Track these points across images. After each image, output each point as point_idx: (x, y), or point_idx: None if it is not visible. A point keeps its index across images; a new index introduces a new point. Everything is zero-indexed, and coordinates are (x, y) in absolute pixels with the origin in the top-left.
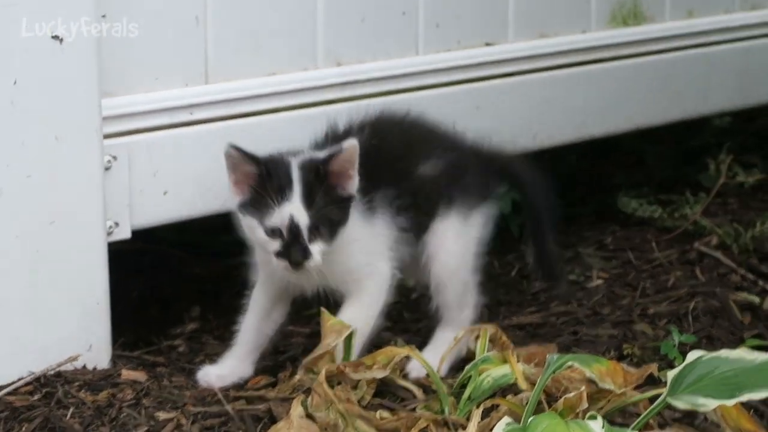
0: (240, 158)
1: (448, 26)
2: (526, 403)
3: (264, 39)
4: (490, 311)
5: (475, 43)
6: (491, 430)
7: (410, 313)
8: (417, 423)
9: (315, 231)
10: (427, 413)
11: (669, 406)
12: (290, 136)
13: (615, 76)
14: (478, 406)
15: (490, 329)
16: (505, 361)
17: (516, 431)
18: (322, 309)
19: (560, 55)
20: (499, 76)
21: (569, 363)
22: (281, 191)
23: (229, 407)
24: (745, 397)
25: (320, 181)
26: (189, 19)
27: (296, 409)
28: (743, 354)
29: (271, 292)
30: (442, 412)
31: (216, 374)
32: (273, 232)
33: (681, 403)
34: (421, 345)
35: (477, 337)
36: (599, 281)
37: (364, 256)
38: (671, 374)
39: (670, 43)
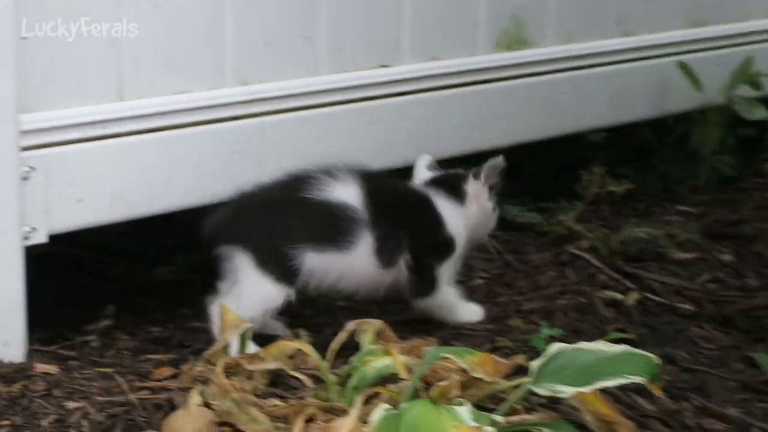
0: None
1: (346, 49)
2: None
3: (175, 60)
4: (381, 309)
5: (371, 65)
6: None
7: (309, 310)
8: (305, 409)
9: None
10: (314, 401)
11: (534, 393)
12: (197, 151)
13: (500, 95)
14: (361, 394)
15: (376, 324)
16: (388, 353)
17: (392, 416)
18: (223, 304)
19: (449, 76)
20: (392, 95)
21: (445, 355)
22: None
23: (132, 396)
24: (600, 385)
25: None
26: (105, 41)
27: (194, 398)
28: (600, 346)
29: None
30: (329, 399)
31: None
32: None
33: (543, 390)
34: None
35: (363, 331)
36: (480, 281)
37: None
38: (535, 364)
39: (550, 65)
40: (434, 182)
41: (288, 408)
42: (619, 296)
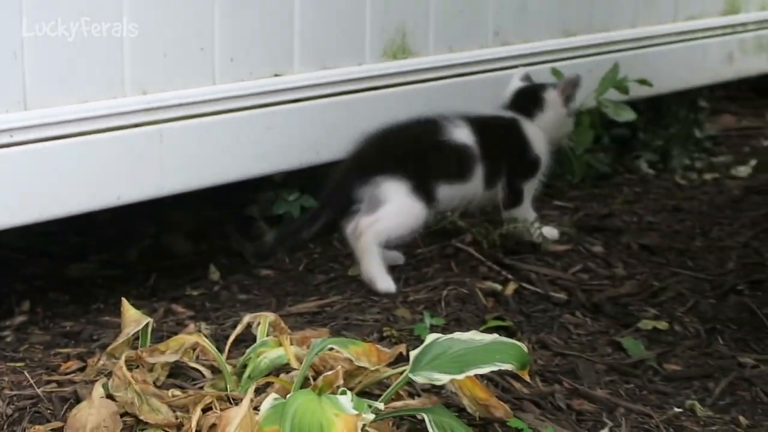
0: None
1: (241, 60)
2: None
3: (77, 71)
4: (278, 301)
5: (265, 73)
6: None
7: (211, 303)
8: (203, 399)
9: None
10: (212, 390)
11: (411, 381)
12: (101, 157)
13: (387, 101)
14: (254, 384)
15: (269, 317)
16: (280, 344)
17: (278, 405)
18: (123, 300)
19: (340, 83)
20: (286, 102)
21: (330, 345)
22: None
23: (39, 390)
24: (472, 372)
25: None
26: (8, 54)
27: (97, 390)
28: (473, 336)
29: None
30: (226, 389)
31: None
32: None
33: (420, 378)
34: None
35: (259, 324)
36: None
37: None
38: (413, 354)
39: (434, 73)
40: (518, 94)
41: (187, 398)
42: (498, 287)
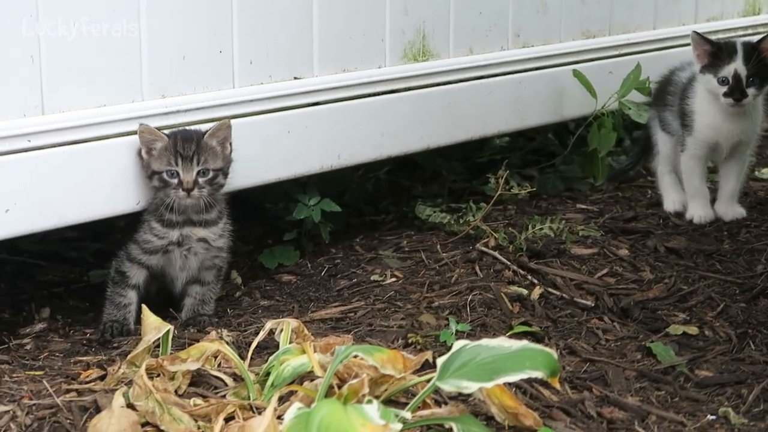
0: (699, 41)
1: (261, 63)
2: None
3: (95, 75)
4: (300, 306)
5: (285, 76)
6: None
7: (233, 309)
8: (225, 408)
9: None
10: (235, 399)
11: (439, 389)
12: (120, 162)
13: (408, 103)
14: (277, 392)
15: (292, 323)
16: (303, 351)
17: (303, 415)
18: (144, 307)
19: (360, 86)
20: (306, 105)
21: (355, 353)
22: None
23: (58, 399)
24: (501, 380)
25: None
26: (25, 58)
27: (117, 400)
28: (501, 342)
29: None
30: (249, 398)
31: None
32: (723, 81)
33: (447, 386)
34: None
35: (281, 330)
36: (393, 279)
37: None
38: (440, 361)
39: (454, 75)
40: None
41: (209, 407)
42: (523, 291)
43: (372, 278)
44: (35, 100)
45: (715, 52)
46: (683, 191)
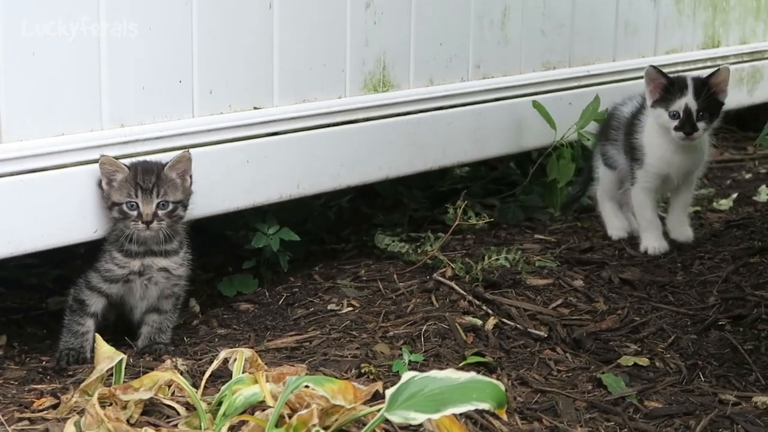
0: (655, 74)
1: (221, 92)
2: None
3: (54, 104)
4: (257, 335)
5: (245, 106)
6: None
7: (189, 338)
8: None
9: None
10: (186, 429)
11: (388, 420)
12: (78, 190)
13: (367, 134)
14: (227, 422)
15: (246, 352)
16: (256, 381)
17: None
18: (97, 336)
19: (320, 116)
20: (266, 135)
21: (305, 383)
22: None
23: (10, 428)
24: (449, 411)
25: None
26: None
27: (69, 429)
28: (450, 374)
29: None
30: (201, 427)
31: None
32: (674, 115)
33: (396, 418)
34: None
35: (235, 360)
36: (349, 308)
37: None
38: (389, 392)
39: (414, 106)
40: None
41: None
42: (478, 322)
43: (329, 307)
44: None
45: (668, 87)
46: (624, 218)
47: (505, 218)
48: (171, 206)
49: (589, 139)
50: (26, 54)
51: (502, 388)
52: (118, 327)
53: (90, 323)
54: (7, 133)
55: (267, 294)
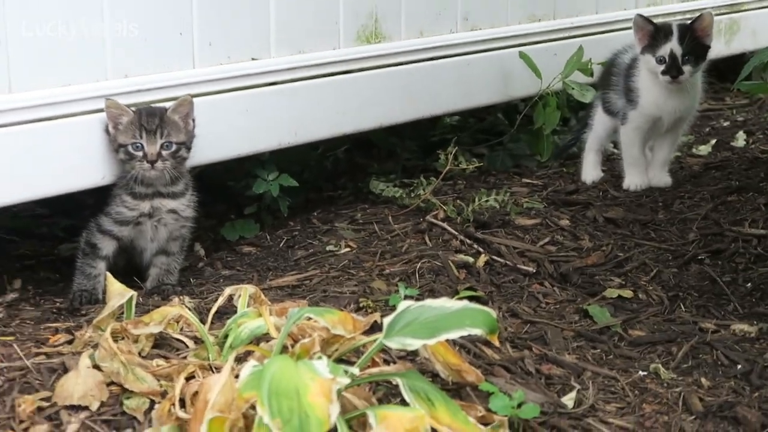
0: (642, 23)
1: (220, 44)
2: None
3: (60, 56)
4: (259, 275)
5: (243, 57)
6: None
7: (195, 279)
8: (186, 368)
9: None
10: (195, 360)
11: (386, 348)
12: (85, 138)
13: (361, 84)
14: (234, 353)
15: (250, 289)
16: (260, 315)
17: (257, 372)
18: (108, 274)
19: (315, 67)
20: (264, 84)
21: (307, 315)
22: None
23: (28, 362)
24: (443, 337)
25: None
26: None
27: (84, 361)
28: (444, 303)
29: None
30: (209, 358)
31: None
32: (660, 60)
33: (393, 344)
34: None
35: (239, 296)
36: (347, 249)
37: None
38: (387, 320)
39: (405, 57)
40: None
41: (170, 367)
42: (470, 259)
43: (327, 248)
44: (3, 80)
45: (654, 33)
46: (601, 171)
47: (494, 165)
48: (174, 147)
49: (573, 88)
50: (32, 7)
51: (494, 314)
52: (128, 271)
53: (102, 266)
54: (16, 84)
55: (268, 237)
